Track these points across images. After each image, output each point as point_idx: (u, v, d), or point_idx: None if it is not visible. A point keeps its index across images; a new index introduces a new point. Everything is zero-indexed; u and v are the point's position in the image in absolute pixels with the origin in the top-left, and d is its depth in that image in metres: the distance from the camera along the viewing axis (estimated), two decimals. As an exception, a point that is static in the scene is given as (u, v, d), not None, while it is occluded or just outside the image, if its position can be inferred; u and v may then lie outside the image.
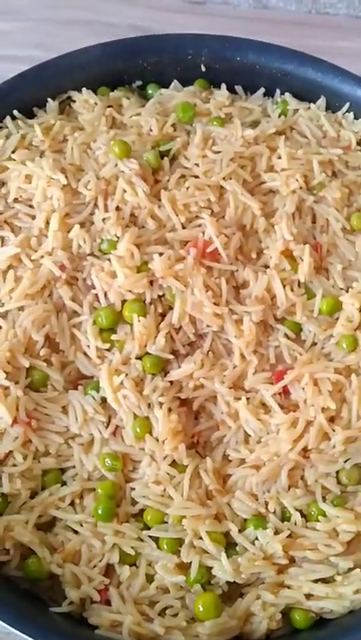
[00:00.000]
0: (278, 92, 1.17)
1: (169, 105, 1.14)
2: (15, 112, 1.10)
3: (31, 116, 1.12)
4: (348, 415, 0.94)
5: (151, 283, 0.99)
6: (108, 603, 0.86)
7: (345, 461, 0.93)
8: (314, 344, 1.00)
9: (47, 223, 1.01)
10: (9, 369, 0.93)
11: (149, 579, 0.87)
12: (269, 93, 1.18)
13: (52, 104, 1.13)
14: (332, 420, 0.94)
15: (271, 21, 1.54)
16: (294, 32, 1.48)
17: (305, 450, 0.93)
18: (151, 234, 1.02)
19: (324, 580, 0.87)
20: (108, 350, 0.98)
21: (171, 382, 0.96)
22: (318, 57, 1.11)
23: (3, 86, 1.09)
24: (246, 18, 1.54)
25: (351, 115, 1.13)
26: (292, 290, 1.01)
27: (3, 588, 0.85)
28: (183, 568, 0.87)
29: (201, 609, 0.84)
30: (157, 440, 0.92)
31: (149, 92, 1.17)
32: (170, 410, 0.93)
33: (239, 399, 0.95)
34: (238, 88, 1.18)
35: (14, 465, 0.91)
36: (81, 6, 1.52)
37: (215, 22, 1.43)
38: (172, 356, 0.97)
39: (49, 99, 1.12)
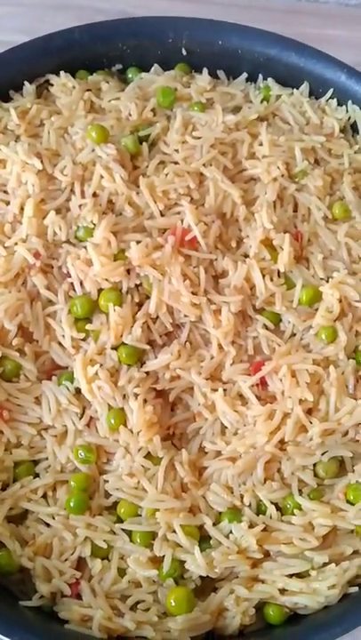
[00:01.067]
0: (261, 77, 1.14)
1: (149, 89, 1.11)
2: (-10, 95, 1.07)
3: (7, 99, 1.09)
4: (326, 407, 0.93)
5: (128, 271, 0.97)
6: (79, 597, 0.85)
7: (322, 454, 0.91)
8: (293, 335, 0.98)
9: (22, 209, 0.99)
10: (-20, 358, 0.91)
11: (121, 572, 0.86)
12: (252, 79, 1.15)
13: (28, 87, 1.10)
14: (309, 412, 0.93)
15: (263, 9, 1.52)
16: (285, 20, 1.46)
17: (282, 442, 0.91)
18: (129, 221, 1.00)
19: (299, 575, 0.85)
20: (84, 340, 0.96)
21: (147, 373, 0.94)
22: (304, 43, 1.09)
23: (-24, 69, 1.06)
24: (237, 5, 1.52)
25: (335, 101, 1.11)
26: (271, 280, 0.99)
27: (-29, 581, 0.83)
28: (156, 562, 0.86)
29: (173, 603, 0.83)
30: (132, 432, 0.90)
31: (129, 75, 1.14)
32: (145, 401, 0.92)
33: (216, 390, 0.94)
34: (220, 73, 1.15)
35: (-16, 457, 0.89)
36: (73, -8, 1.50)
37: (207, 10, 1.40)
38: (148, 347, 0.95)
39: (26, 82, 1.10)
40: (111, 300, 0.95)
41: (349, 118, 1.11)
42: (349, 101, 1.10)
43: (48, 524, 0.88)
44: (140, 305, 0.97)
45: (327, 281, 1.00)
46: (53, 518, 0.88)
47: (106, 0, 1.48)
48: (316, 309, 0.99)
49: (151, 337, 0.96)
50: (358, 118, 1.11)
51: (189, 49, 1.13)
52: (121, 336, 0.94)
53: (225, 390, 0.94)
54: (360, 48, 1.43)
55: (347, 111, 1.11)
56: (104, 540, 0.86)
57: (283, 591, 0.85)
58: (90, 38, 1.11)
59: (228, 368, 0.95)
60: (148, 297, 0.97)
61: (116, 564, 0.85)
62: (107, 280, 0.96)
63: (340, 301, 0.98)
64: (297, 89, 1.13)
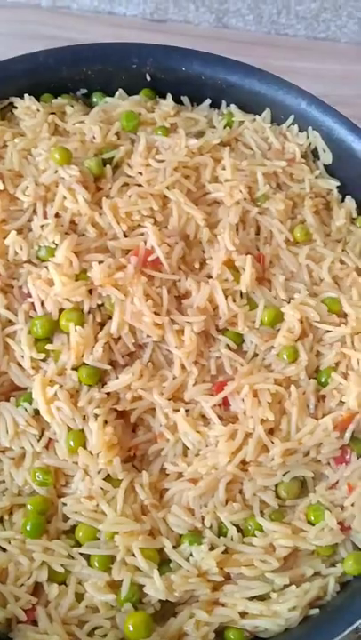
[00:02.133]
0: (224, 103, 1.16)
1: (113, 113, 1.12)
2: None
3: (-30, 120, 1.10)
4: (288, 427, 0.93)
5: (90, 291, 0.97)
6: (35, 623, 0.82)
7: (283, 474, 0.91)
8: (255, 355, 0.99)
9: (-17, 229, 0.98)
10: None
11: (79, 597, 0.83)
12: (216, 104, 1.17)
13: (-9, 109, 1.10)
14: (271, 431, 0.92)
15: (231, 41, 1.56)
16: (254, 52, 1.50)
17: (243, 463, 0.91)
18: (91, 242, 1.00)
19: (260, 598, 0.84)
20: (44, 361, 0.94)
21: (108, 394, 0.93)
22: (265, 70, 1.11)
23: None
24: (207, 37, 1.56)
25: (296, 127, 1.13)
26: (234, 300, 0.99)
27: None
28: (114, 586, 0.84)
29: (131, 629, 0.80)
30: (92, 453, 0.89)
31: (94, 100, 1.16)
32: (106, 422, 0.91)
33: (178, 411, 0.93)
34: (184, 99, 1.17)
35: None
36: (47, 22, 1.53)
37: (176, 40, 1.43)
38: (109, 367, 0.94)
39: (-12, 104, 1.10)
40: (72, 320, 0.94)
41: (310, 144, 1.13)
42: (310, 127, 1.12)
43: (4, 549, 0.85)
44: (102, 325, 0.96)
45: (288, 302, 1.01)
46: (9, 542, 0.85)
47: (77, 31, 1.51)
48: (278, 330, 0.99)
49: (113, 357, 0.95)
50: (319, 144, 1.13)
51: (154, 75, 1.14)
52: (82, 356, 0.93)
53: (187, 411, 0.93)
54: (328, 80, 1.48)
55: (308, 137, 1.13)
56: (61, 565, 0.84)
57: (243, 614, 0.83)
58: (55, 62, 1.12)
59: (191, 388, 0.95)
60: (110, 317, 0.96)
61: (74, 589, 0.83)
62: (68, 300, 0.95)
63: (302, 322, 0.98)
64: (259, 115, 1.15)
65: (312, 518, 0.89)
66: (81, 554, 0.85)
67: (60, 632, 0.80)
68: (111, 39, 1.41)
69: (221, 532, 0.88)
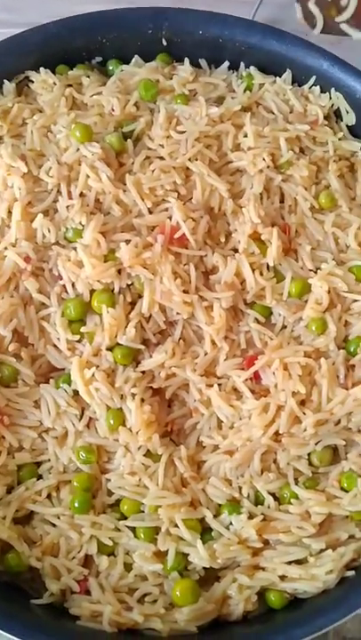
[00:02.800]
0: (243, 65, 1.13)
1: (131, 82, 1.10)
2: (-30, 96, 1.06)
3: (-13, 99, 1.08)
4: (319, 398, 0.95)
5: (119, 271, 0.98)
6: (88, 593, 0.88)
7: (316, 443, 0.94)
8: (284, 327, 1.00)
9: (9, 213, 0.99)
10: (-22, 366, 0.93)
11: (128, 567, 0.89)
12: (234, 66, 1.14)
13: (8, 85, 1.08)
14: (302, 403, 0.95)
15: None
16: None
17: (277, 434, 0.94)
18: (117, 220, 1.00)
19: (298, 562, 0.89)
20: (79, 342, 0.97)
21: (143, 372, 0.96)
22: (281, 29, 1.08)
23: None
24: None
25: (317, 88, 1.11)
26: (261, 274, 1.00)
27: (-17, 585, 0.86)
28: (160, 556, 0.89)
29: (179, 595, 0.86)
30: (131, 431, 0.93)
31: (110, 68, 1.13)
32: (142, 400, 0.94)
33: (211, 386, 0.96)
34: (202, 62, 1.14)
35: (-11, 461, 0.91)
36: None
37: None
38: (142, 346, 0.97)
39: (5, 80, 1.08)
40: (104, 302, 0.96)
41: (333, 105, 1.11)
42: (332, 89, 1.10)
43: (54, 524, 0.90)
44: (132, 304, 0.98)
45: (316, 272, 1.01)
46: (59, 518, 0.90)
47: None
48: (306, 301, 1.00)
49: (145, 336, 0.98)
50: (341, 105, 1.11)
51: (170, 39, 1.11)
52: (115, 337, 0.95)
53: (220, 385, 0.96)
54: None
55: (330, 98, 1.11)
56: (109, 538, 0.89)
57: (283, 578, 0.88)
58: (68, 32, 1.09)
59: (222, 363, 0.97)
60: (140, 296, 0.98)
61: (122, 560, 0.89)
62: (98, 281, 0.97)
63: (329, 292, 0.99)
64: (279, 76, 1.12)
65: (345, 485, 0.93)
66: (127, 526, 0.90)
67: (112, 600, 0.86)
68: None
69: (258, 500, 0.92)
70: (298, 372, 0.95)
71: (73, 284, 0.98)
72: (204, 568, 0.89)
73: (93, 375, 0.93)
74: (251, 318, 1.00)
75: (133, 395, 0.94)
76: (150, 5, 1.10)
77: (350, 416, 0.95)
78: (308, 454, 0.95)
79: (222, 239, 1.03)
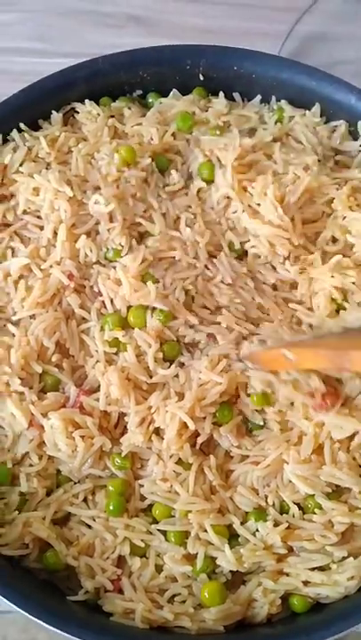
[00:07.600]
0: (274, 99, 1.20)
1: (169, 114, 1.17)
2: (21, 125, 1.14)
3: (36, 128, 1.16)
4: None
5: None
6: (120, 591, 0.93)
7: (338, 460, 0.98)
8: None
9: (55, 234, 1.06)
10: (23, 375, 0.99)
11: (158, 569, 0.94)
12: (266, 100, 1.21)
13: (56, 116, 1.16)
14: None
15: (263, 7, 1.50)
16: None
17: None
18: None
19: (321, 568, 0.93)
20: (115, 354, 1.03)
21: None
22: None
23: (9, 100, 1.12)
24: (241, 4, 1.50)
25: (343, 124, 1.17)
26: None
27: (24, 579, 0.92)
28: (190, 559, 0.94)
29: (207, 596, 0.91)
30: (163, 439, 0.98)
31: (150, 100, 1.21)
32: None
33: (239, 400, 1.01)
34: (236, 95, 1.21)
35: (31, 465, 0.97)
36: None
37: (211, 10, 1.40)
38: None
39: (53, 111, 1.16)
40: (139, 317, 1.02)
41: (362, 142, 1.17)
42: (359, 122, 1.16)
43: (90, 526, 0.96)
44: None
45: None
46: (94, 520, 0.96)
47: (112, 4, 1.51)
48: None
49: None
50: (368, 138, 1.17)
51: (206, 74, 1.19)
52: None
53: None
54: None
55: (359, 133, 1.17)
56: (142, 540, 0.94)
57: (306, 583, 0.93)
58: (112, 67, 1.17)
59: (251, 378, 1.03)
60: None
61: (154, 561, 0.93)
62: (135, 297, 1.03)
63: None
64: (308, 110, 1.19)
65: (367, 497, 0.97)
66: (158, 530, 0.95)
67: (144, 599, 0.91)
68: (146, 11, 1.42)
69: (283, 509, 0.97)
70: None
71: (112, 301, 1.04)
72: (231, 572, 0.94)
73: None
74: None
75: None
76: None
77: (374, 432, 1.00)
78: (333, 467, 0.99)
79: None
